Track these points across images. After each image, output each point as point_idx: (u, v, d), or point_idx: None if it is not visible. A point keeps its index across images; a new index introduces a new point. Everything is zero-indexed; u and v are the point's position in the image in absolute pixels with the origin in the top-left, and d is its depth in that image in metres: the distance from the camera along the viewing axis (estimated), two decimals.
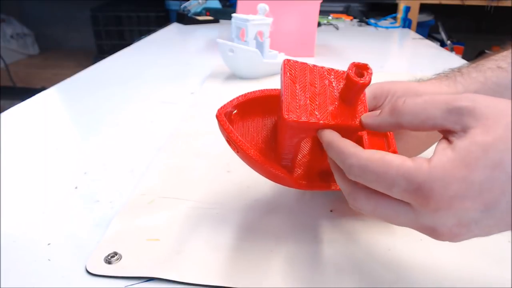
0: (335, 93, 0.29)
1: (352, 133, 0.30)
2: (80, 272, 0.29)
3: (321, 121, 0.27)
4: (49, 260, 0.30)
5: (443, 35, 1.74)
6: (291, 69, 0.29)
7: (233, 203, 0.37)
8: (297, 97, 0.28)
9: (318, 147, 0.33)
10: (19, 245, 0.32)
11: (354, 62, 0.28)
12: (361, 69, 0.27)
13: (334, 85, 0.29)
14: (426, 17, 1.91)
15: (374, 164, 0.23)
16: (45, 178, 0.42)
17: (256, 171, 0.33)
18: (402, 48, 1.28)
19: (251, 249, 0.31)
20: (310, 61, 0.90)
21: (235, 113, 0.33)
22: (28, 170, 0.43)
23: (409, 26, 1.52)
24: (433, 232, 0.22)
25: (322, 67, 0.29)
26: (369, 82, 0.27)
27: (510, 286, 0.28)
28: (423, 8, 1.78)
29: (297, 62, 0.29)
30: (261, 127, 0.34)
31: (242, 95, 0.33)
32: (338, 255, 0.31)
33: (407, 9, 1.53)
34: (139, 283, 0.28)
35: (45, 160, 0.45)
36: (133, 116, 0.59)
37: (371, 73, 0.27)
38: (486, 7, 1.83)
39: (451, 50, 1.52)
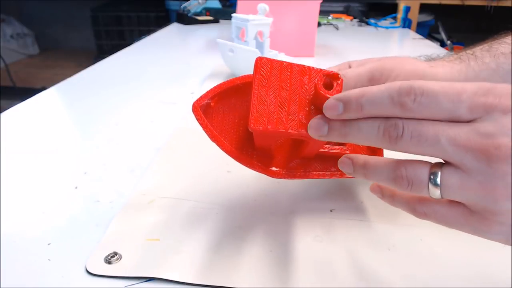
0: (308, 97, 0.27)
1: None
2: (80, 272, 0.29)
3: (289, 130, 0.26)
4: (49, 260, 0.30)
5: (443, 35, 1.74)
6: (262, 70, 0.27)
7: (233, 203, 0.37)
8: (266, 103, 0.26)
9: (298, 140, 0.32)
10: (19, 245, 0.32)
11: (323, 71, 0.26)
12: (331, 79, 0.26)
13: (307, 87, 0.27)
14: (426, 17, 1.92)
15: (438, 83, 0.21)
16: (45, 178, 0.42)
17: None
18: (402, 48, 1.28)
19: (251, 249, 0.31)
20: (310, 61, 0.90)
21: (215, 101, 0.32)
22: (28, 170, 0.43)
23: (409, 26, 1.52)
24: (491, 146, 0.20)
25: (298, 65, 0.28)
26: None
27: (510, 286, 0.28)
28: (423, 8, 1.78)
29: (270, 60, 0.27)
30: (243, 115, 0.32)
31: (219, 84, 0.31)
32: (338, 255, 0.31)
33: (407, 9, 1.53)
34: (139, 283, 0.28)
35: (45, 160, 0.45)
36: (133, 116, 0.59)
37: (341, 84, 0.25)
38: (486, 7, 1.83)
39: (451, 50, 1.52)
